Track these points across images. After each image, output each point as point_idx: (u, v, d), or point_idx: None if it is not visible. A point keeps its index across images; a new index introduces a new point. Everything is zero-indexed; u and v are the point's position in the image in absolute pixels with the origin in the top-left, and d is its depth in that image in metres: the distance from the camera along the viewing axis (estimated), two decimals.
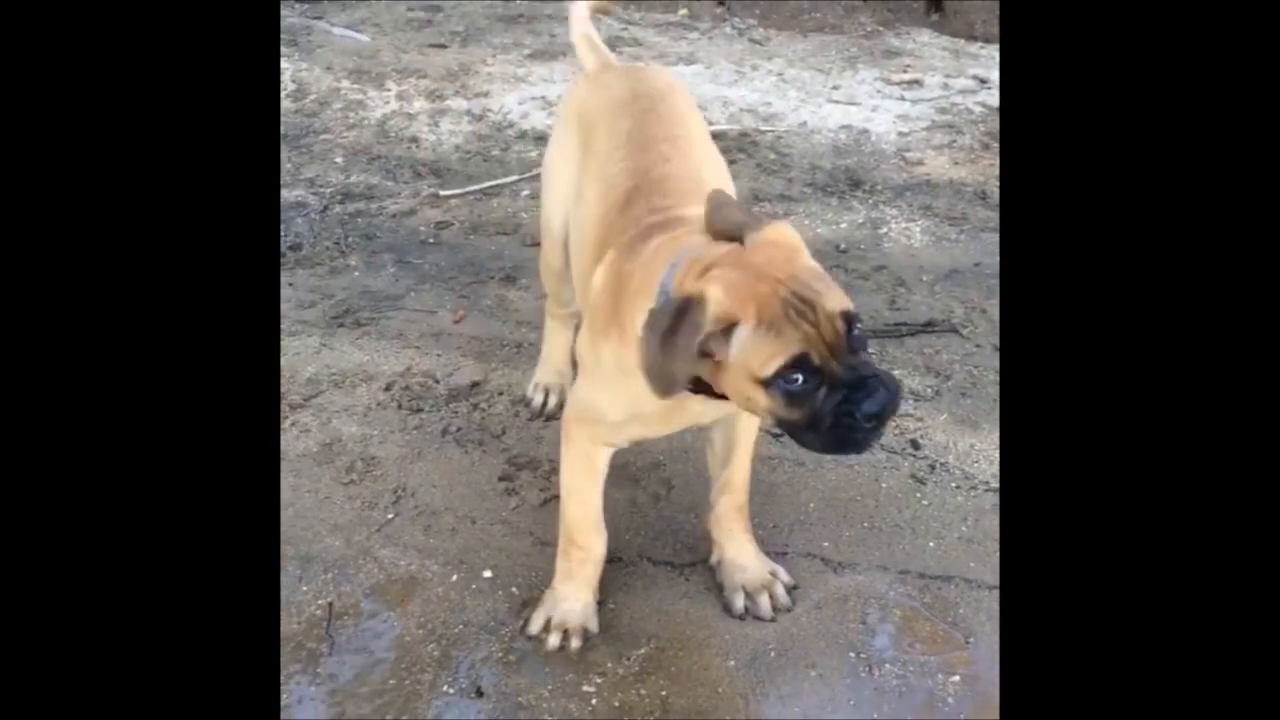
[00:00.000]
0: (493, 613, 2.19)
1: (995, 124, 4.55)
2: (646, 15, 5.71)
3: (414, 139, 4.31)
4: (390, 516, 2.42)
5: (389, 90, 4.67)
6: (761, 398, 1.68)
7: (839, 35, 5.59)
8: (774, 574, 2.23)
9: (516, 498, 2.46)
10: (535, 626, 2.13)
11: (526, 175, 4.00)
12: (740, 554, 2.23)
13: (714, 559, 2.26)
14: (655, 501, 2.48)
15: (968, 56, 5.38)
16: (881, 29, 5.68)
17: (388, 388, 2.84)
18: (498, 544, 2.34)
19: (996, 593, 2.22)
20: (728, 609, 2.19)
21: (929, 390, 2.87)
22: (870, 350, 1.80)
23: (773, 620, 2.17)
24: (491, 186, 3.93)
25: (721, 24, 5.64)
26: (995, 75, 5.07)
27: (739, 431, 2.16)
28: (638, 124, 2.23)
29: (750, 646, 2.12)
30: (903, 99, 4.81)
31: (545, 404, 2.75)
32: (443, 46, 5.14)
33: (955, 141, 4.38)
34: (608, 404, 1.96)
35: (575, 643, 2.11)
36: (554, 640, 2.11)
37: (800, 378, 1.64)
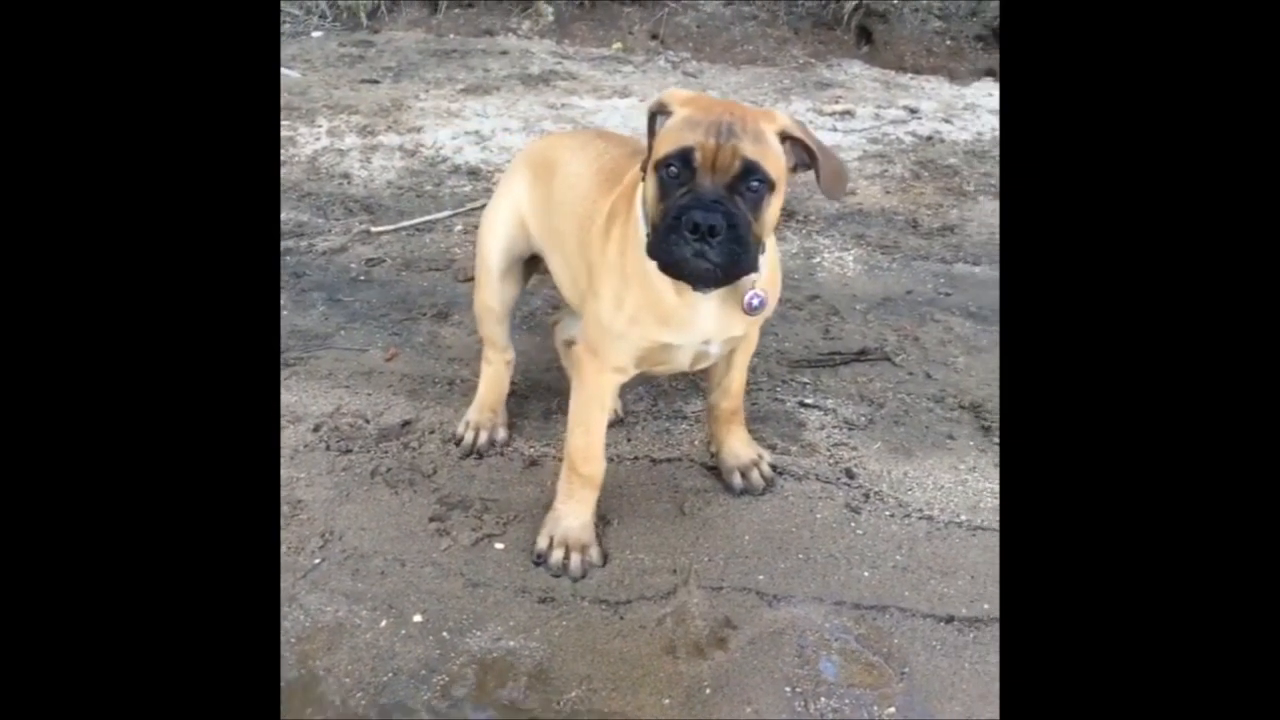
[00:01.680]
0: (423, 659, 2.13)
1: (925, 153, 4.62)
2: (581, 49, 5.73)
3: (345, 175, 4.27)
4: (317, 561, 2.35)
5: (319, 126, 4.62)
6: (650, 183, 1.97)
7: (771, 67, 5.66)
8: (760, 455, 2.61)
9: (448, 538, 2.41)
10: (541, 545, 2.34)
11: (460, 210, 3.97)
12: (736, 444, 2.59)
13: (713, 449, 2.62)
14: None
15: (898, 87, 5.46)
16: (813, 61, 5.76)
17: (316, 429, 2.78)
18: (428, 587, 2.28)
19: (931, 621, 2.22)
20: (728, 488, 2.57)
21: (862, 419, 2.87)
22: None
23: (764, 493, 2.56)
24: (424, 222, 3.89)
25: (655, 57, 5.68)
26: (925, 105, 5.16)
27: (738, 353, 2.46)
28: (607, 145, 2.48)
29: (685, 685, 2.09)
30: (835, 129, 4.86)
31: (475, 441, 2.71)
32: (374, 82, 5.11)
33: (887, 171, 4.44)
34: (611, 305, 2.16)
35: (576, 559, 2.32)
36: (557, 555, 2.32)
37: (675, 169, 1.91)
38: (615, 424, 2.81)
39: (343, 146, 4.46)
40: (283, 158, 4.40)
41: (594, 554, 2.34)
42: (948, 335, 3.26)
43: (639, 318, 2.16)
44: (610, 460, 2.64)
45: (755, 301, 2.14)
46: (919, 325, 3.31)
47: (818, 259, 3.71)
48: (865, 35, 5.89)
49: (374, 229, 3.83)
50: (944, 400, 2.94)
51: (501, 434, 2.73)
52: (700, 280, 1.99)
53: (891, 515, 2.53)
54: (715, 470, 2.63)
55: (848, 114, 5.03)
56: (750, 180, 1.90)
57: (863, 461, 2.71)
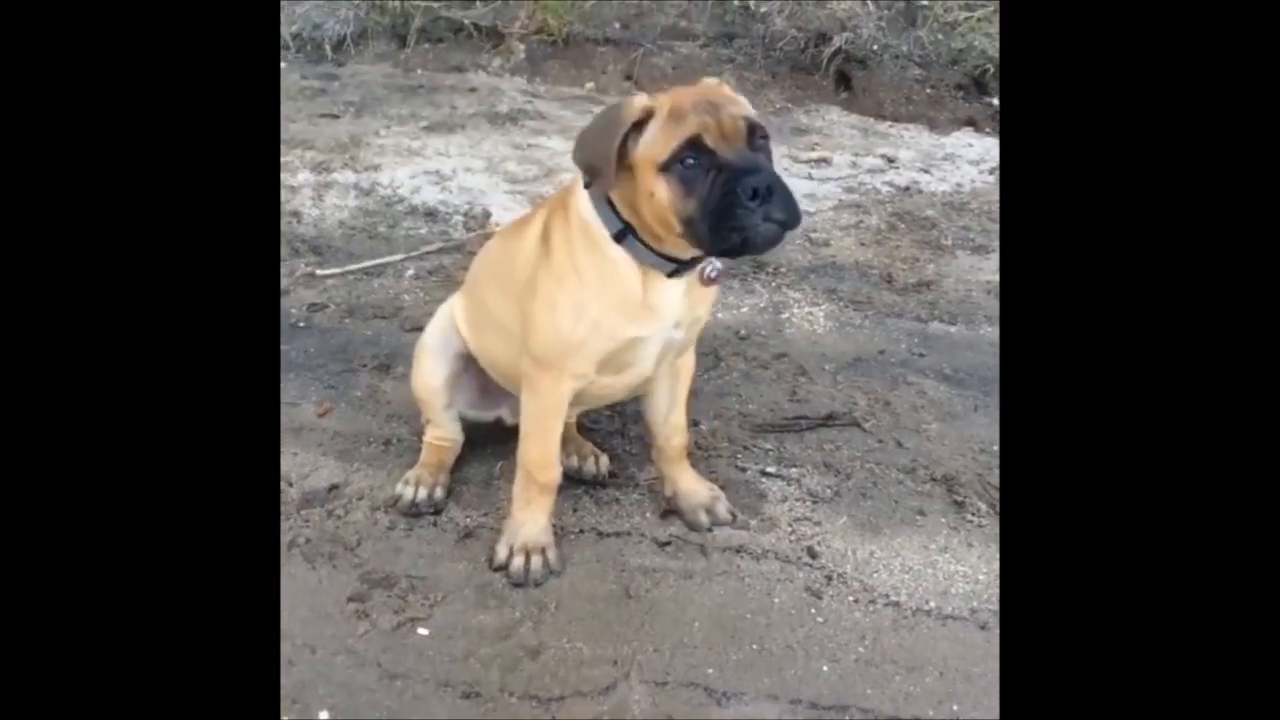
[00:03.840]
0: None
1: (902, 204, 4.47)
2: (553, 88, 5.58)
3: (295, 213, 4.07)
4: None
5: None
6: (662, 190, 1.91)
7: None
8: (714, 490, 2.56)
9: (366, 621, 2.19)
10: (501, 554, 2.32)
11: (412, 254, 3.78)
12: (689, 483, 2.55)
13: (668, 492, 2.54)
14: (531, 625, 2.22)
15: (876, 135, 5.33)
16: (790, 106, 5.63)
17: None
18: (339, 678, 2.06)
19: None
20: (695, 527, 2.50)
21: (828, 491, 2.67)
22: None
23: (732, 522, 2.51)
24: (373, 266, 3.70)
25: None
26: (903, 154, 5.03)
27: (680, 383, 2.47)
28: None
29: None
30: (810, 177, 4.71)
31: (414, 498, 2.51)
32: (335, 117, 4.93)
33: (862, 222, 4.28)
34: (570, 314, 2.13)
35: (536, 561, 2.30)
36: (518, 562, 2.30)
37: (693, 159, 1.88)
38: (564, 488, 2.60)
39: (294, 183, 4.27)
40: None
41: (552, 556, 2.33)
42: (920, 400, 3.07)
43: (604, 319, 2.13)
44: (555, 531, 2.44)
45: (713, 274, 2.16)
46: (890, 388, 3.12)
47: (786, 314, 3.53)
48: (844, 81, 5.76)
49: (319, 271, 3.63)
50: (915, 471, 2.75)
51: (439, 494, 2.53)
52: (772, 242, 1.96)
53: (855, 601, 2.32)
54: (670, 516, 2.54)
55: (824, 162, 4.88)
56: (758, 137, 1.96)
57: (826, 539, 2.51)
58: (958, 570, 2.42)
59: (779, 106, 5.60)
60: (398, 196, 4.23)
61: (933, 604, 2.32)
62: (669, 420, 2.50)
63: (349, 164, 4.43)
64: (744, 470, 2.74)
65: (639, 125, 1.97)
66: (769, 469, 2.74)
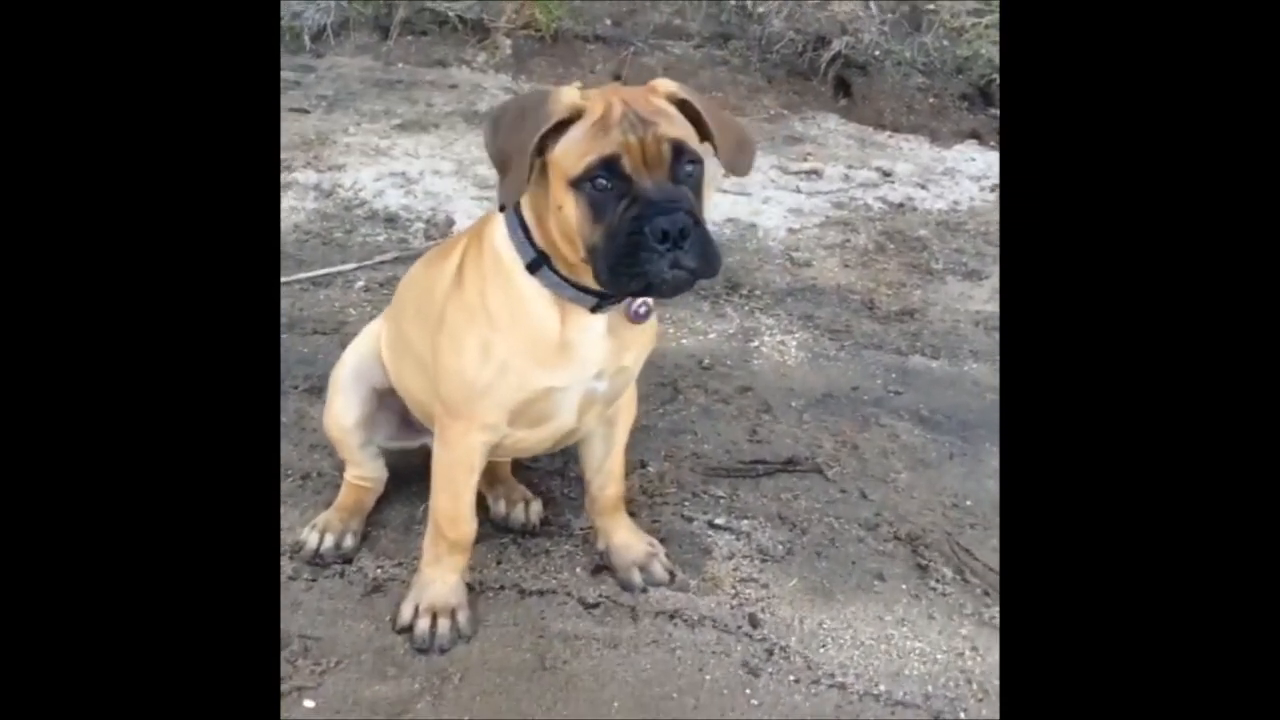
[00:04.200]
0: None
1: (893, 223, 4.23)
2: (537, 87, 5.33)
3: None
4: None
5: None
6: (570, 208, 1.73)
7: (740, 117, 5.26)
8: (652, 544, 2.35)
9: None
10: (405, 615, 2.12)
11: (365, 264, 3.56)
12: (624, 537, 2.33)
13: (601, 545, 2.33)
14: (430, 700, 2.00)
15: (873, 146, 5.08)
16: (786, 112, 5.38)
17: None
18: None
19: None
20: (627, 586, 2.28)
21: (780, 548, 2.44)
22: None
23: (669, 583, 2.30)
24: (322, 275, 3.48)
25: None
26: (900, 167, 4.78)
27: (617, 428, 2.26)
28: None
29: None
30: (798, 190, 4.47)
31: (320, 547, 2.30)
32: (304, 111, 4.71)
33: (849, 241, 4.03)
34: (476, 356, 1.94)
35: (444, 624, 2.10)
36: (423, 624, 2.09)
37: (605, 182, 1.70)
38: (490, 537, 2.38)
39: None
40: None
41: (463, 619, 2.13)
42: (892, 444, 2.83)
43: (512, 364, 1.93)
44: (471, 588, 2.22)
45: (642, 310, 1.95)
46: (860, 430, 2.89)
47: (756, 342, 3.30)
48: (843, 87, 5.50)
49: None
50: (878, 528, 2.52)
51: (349, 543, 2.31)
52: (680, 289, 1.78)
53: (796, 681, 2.10)
54: (603, 571, 2.32)
55: (814, 174, 4.63)
56: (685, 163, 1.75)
57: (772, 605, 2.28)
58: (914, 648, 2.18)
59: (773, 113, 5.35)
60: (359, 200, 4.01)
61: (883, 687, 2.09)
62: (603, 468, 2.28)
63: (312, 163, 4.21)
64: (690, 521, 2.52)
65: (564, 124, 1.75)
66: (718, 520, 2.52)
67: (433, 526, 2.14)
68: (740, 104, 5.38)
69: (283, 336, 3.14)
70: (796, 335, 3.35)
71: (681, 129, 1.76)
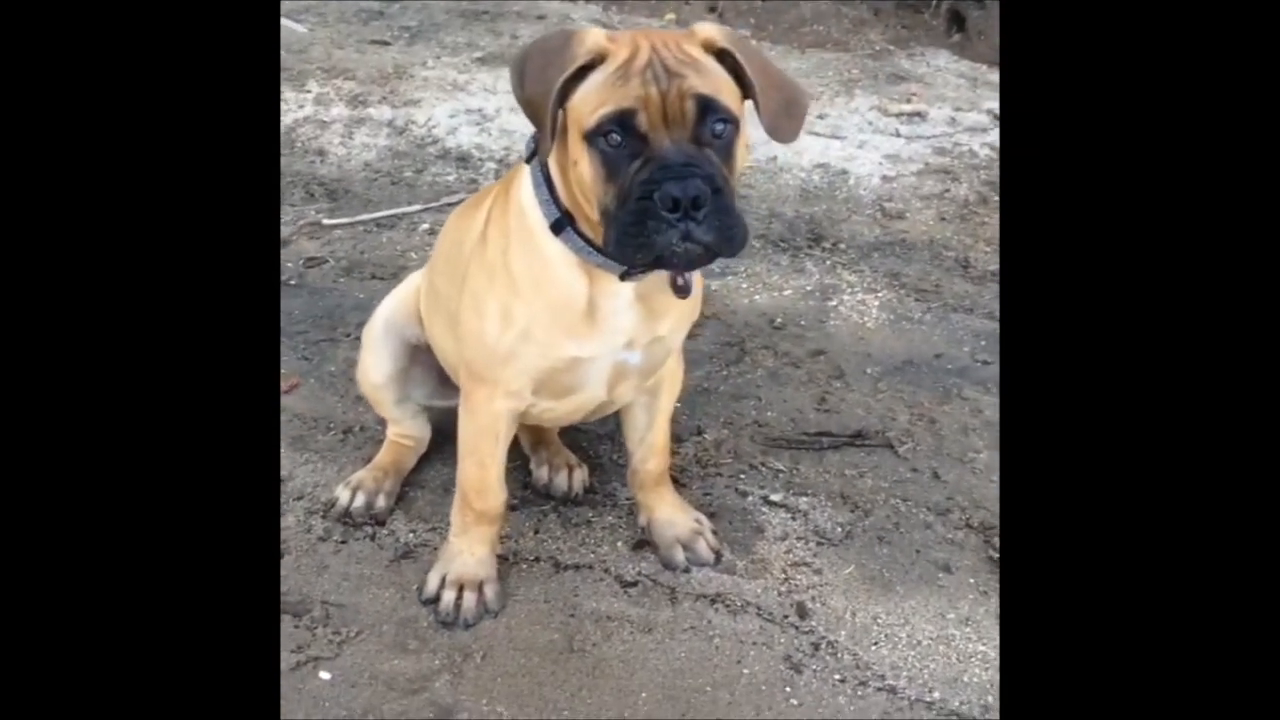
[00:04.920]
0: None
1: (999, 172, 3.90)
2: (628, 19, 5.11)
3: (321, 152, 3.78)
4: None
5: (308, 92, 4.13)
6: (584, 161, 1.58)
7: (842, 52, 4.95)
8: (699, 521, 2.19)
9: None
10: (431, 586, 2.01)
11: (432, 205, 3.45)
12: (668, 512, 2.17)
13: (643, 520, 2.19)
14: (449, 679, 1.91)
15: (986, 86, 4.71)
16: (892, 48, 5.03)
17: None
18: None
19: None
20: (669, 565, 2.14)
21: (838, 530, 2.26)
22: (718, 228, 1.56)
23: (714, 563, 2.14)
24: (386, 216, 3.38)
25: None
26: None
27: (660, 398, 2.09)
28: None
29: None
30: (897, 134, 4.17)
31: (351, 505, 2.22)
32: (384, 44, 4.60)
33: (948, 192, 3.74)
34: (497, 321, 1.80)
35: (470, 598, 1.98)
36: (449, 597, 1.98)
37: (619, 138, 1.54)
38: (531, 503, 2.27)
39: (327, 118, 3.97)
40: None
41: (490, 593, 2.01)
42: (973, 420, 2.60)
43: (535, 331, 1.79)
44: (503, 559, 2.11)
45: (680, 281, 1.79)
46: (940, 402, 2.66)
47: (835, 300, 3.08)
48: (957, 21, 5.12)
49: (326, 221, 3.33)
50: (948, 513, 2.31)
51: (382, 503, 2.22)
52: (694, 265, 1.64)
53: (842, 680, 1.93)
54: (645, 547, 2.18)
55: (917, 116, 4.32)
56: (713, 122, 1.56)
57: (823, 593, 2.11)
58: (977, 651, 1.99)
59: (879, 48, 5.01)
60: (432, 137, 3.89)
61: (937, 694, 1.91)
62: (645, 441, 2.13)
63: (387, 98, 4.10)
64: (744, 495, 2.35)
65: (586, 69, 1.59)
66: (774, 496, 2.34)
67: (460, 495, 2.03)
68: (843, 38, 5.06)
69: (340, 281, 3.07)
70: (880, 295, 3.11)
71: (713, 83, 1.58)
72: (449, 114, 4.01)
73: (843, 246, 3.35)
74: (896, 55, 4.98)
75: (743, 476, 2.41)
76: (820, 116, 4.23)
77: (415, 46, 4.61)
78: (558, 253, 1.74)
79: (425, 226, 3.34)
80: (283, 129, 3.91)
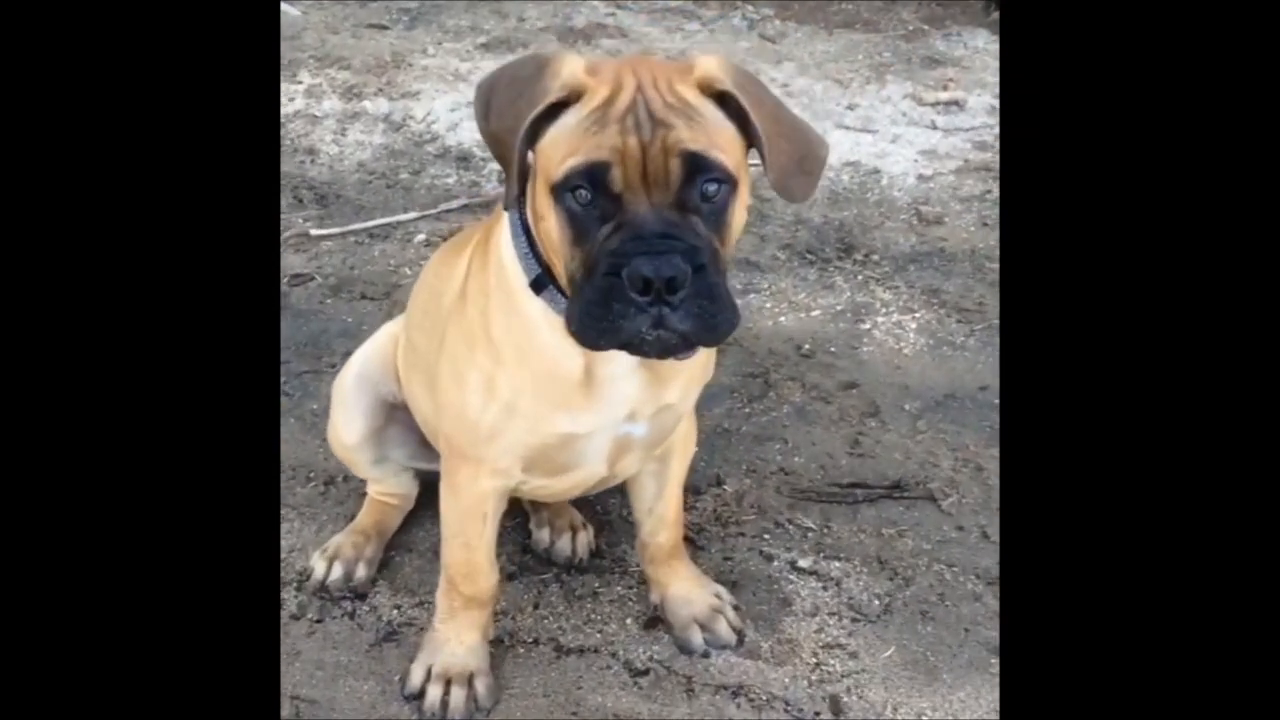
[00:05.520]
0: None
1: None
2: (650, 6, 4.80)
3: (311, 151, 3.52)
4: None
5: (300, 83, 3.86)
6: (551, 217, 1.36)
7: (873, 34, 4.63)
8: (719, 596, 1.95)
9: None
10: (415, 680, 1.78)
11: (430, 212, 3.19)
12: (683, 588, 1.93)
13: (655, 598, 1.95)
14: None
15: None
16: (926, 27, 4.70)
17: None
18: None
19: None
20: (685, 649, 1.89)
21: (875, 602, 2.01)
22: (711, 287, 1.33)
23: (736, 646, 1.90)
24: (380, 226, 3.12)
25: (730, 14, 4.72)
26: None
27: (671, 464, 1.84)
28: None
29: None
30: (934, 126, 3.86)
31: (328, 577, 1.98)
32: (383, 28, 4.31)
33: (989, 193, 3.44)
34: (478, 394, 1.56)
35: (458, 695, 1.74)
36: (435, 693, 1.75)
37: (588, 195, 1.31)
38: (532, 570, 2.03)
39: (319, 112, 3.70)
40: None
41: (482, 688, 1.77)
42: None
43: (521, 405, 1.55)
44: (498, 641, 1.87)
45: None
46: (986, 444, 2.39)
47: (868, 323, 2.80)
48: None
49: (315, 231, 3.08)
50: (1000, 582, 2.05)
51: (362, 573, 1.99)
52: (667, 354, 1.38)
53: None
54: (659, 625, 1.95)
55: (955, 105, 4.01)
56: (703, 183, 1.32)
57: (860, 683, 1.86)
58: None
59: (911, 28, 4.68)
60: (431, 133, 3.62)
61: None
62: (654, 512, 1.88)
63: (384, 90, 3.82)
64: (770, 559, 2.10)
65: (560, 106, 1.34)
66: (802, 561, 2.09)
67: (445, 579, 1.78)
68: (874, 17, 4.74)
69: (327, 302, 2.82)
70: (917, 315, 2.84)
71: (707, 134, 1.33)
72: (450, 107, 3.73)
73: (876, 258, 3.07)
74: (931, 35, 4.65)
75: (767, 537, 2.15)
76: (850, 107, 3.93)
77: (415, 31, 4.32)
78: (540, 314, 1.48)
79: (421, 238, 3.08)
80: None
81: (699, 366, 1.64)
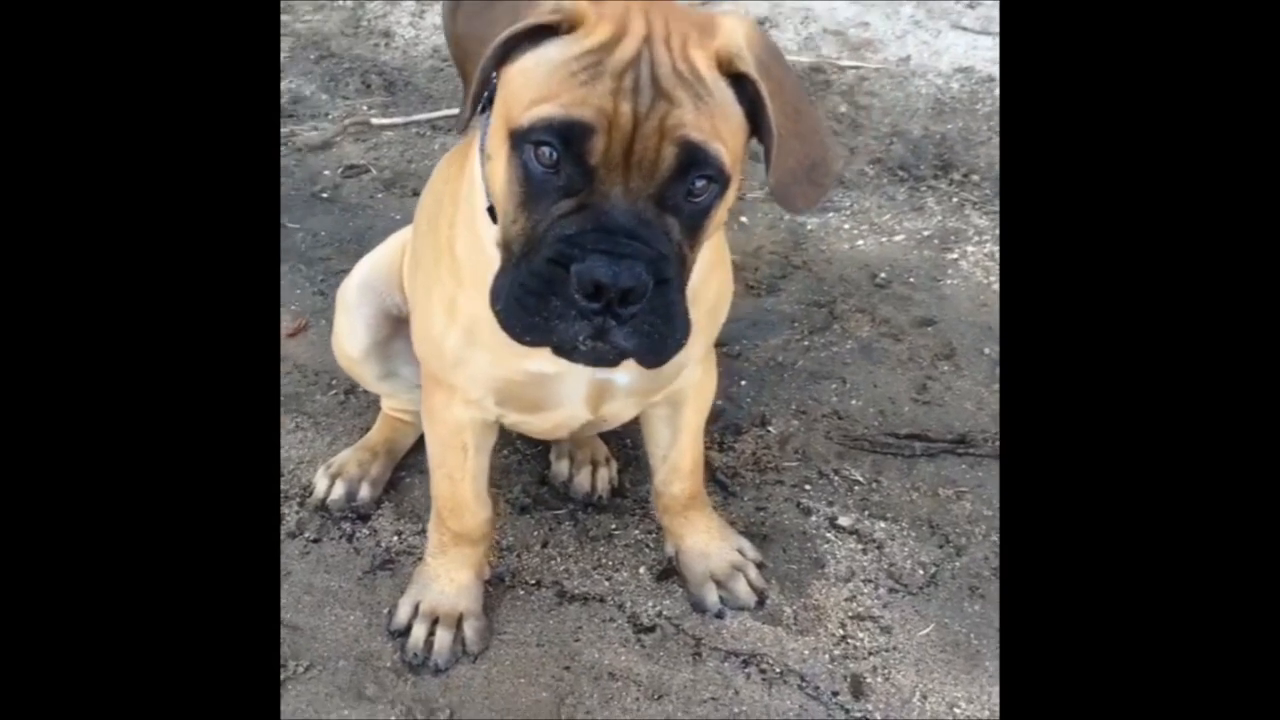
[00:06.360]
0: None
1: None
2: None
3: (386, 34, 3.35)
4: None
5: None
6: (502, 165, 1.15)
7: None
8: (741, 552, 1.78)
9: None
10: (401, 616, 1.67)
11: None
12: (700, 539, 1.76)
13: (670, 549, 1.80)
14: None
15: None
16: None
17: None
18: None
19: None
20: (698, 606, 1.73)
21: (919, 572, 1.81)
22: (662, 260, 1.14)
23: (755, 607, 1.73)
24: (444, 118, 2.96)
25: None
26: None
27: (683, 410, 1.66)
28: None
29: None
30: (961, 25, 3.44)
31: (328, 495, 1.88)
32: None
33: None
34: (441, 312, 1.42)
35: (444, 636, 1.63)
36: (419, 632, 1.64)
37: (554, 154, 1.11)
38: (547, 505, 1.89)
39: None
40: (326, 2, 3.52)
41: (470, 631, 1.65)
42: None
43: (481, 333, 1.37)
44: (498, 580, 1.75)
45: None
46: None
47: (956, 252, 2.51)
48: None
49: (376, 120, 2.93)
50: None
51: (365, 493, 1.88)
52: (601, 364, 1.23)
53: None
54: (673, 578, 1.79)
55: None
56: (692, 179, 1.13)
57: (889, 663, 1.68)
58: None
59: None
60: None
61: None
62: (668, 460, 1.71)
63: None
64: (808, 513, 1.91)
65: (546, 31, 1.12)
66: (843, 519, 1.90)
67: (434, 513, 1.66)
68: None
69: (378, 196, 2.68)
70: None
71: (711, 120, 1.12)
72: None
73: (976, 178, 2.76)
74: None
75: (808, 487, 1.96)
76: (971, 5, 3.53)
77: None
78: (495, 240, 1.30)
79: None
80: (349, 6, 3.48)
81: (706, 315, 1.43)
